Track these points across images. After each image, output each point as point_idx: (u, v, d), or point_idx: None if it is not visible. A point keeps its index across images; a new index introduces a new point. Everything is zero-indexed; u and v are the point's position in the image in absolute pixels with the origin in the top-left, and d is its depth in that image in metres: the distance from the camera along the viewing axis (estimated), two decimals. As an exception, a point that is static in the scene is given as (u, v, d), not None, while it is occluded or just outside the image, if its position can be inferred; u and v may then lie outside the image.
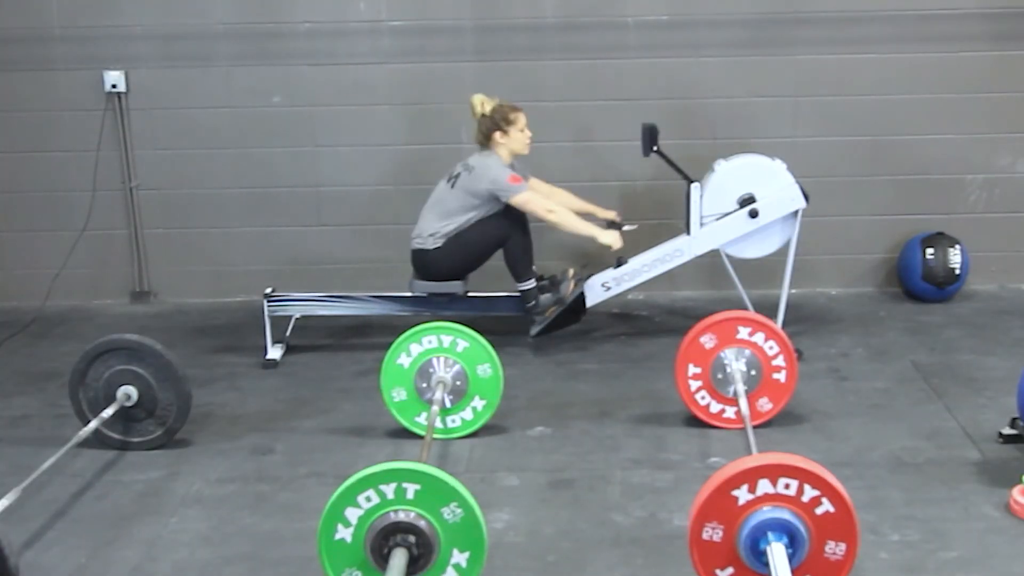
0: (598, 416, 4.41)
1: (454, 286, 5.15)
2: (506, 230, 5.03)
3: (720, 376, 4.14)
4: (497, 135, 5.04)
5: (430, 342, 4.13)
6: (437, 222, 5.06)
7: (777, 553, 2.61)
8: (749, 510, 2.66)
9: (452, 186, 5.06)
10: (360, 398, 4.68)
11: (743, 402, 3.95)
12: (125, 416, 4.12)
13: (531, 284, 5.10)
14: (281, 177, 6.09)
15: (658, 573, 3.20)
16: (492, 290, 5.29)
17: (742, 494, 2.66)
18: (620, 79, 5.91)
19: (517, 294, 5.15)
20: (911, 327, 5.45)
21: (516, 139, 5.06)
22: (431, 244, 5.06)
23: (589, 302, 5.20)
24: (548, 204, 5.07)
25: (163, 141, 6.08)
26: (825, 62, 5.88)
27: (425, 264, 5.11)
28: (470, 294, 5.24)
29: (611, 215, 5.32)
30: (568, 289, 5.12)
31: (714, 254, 5.19)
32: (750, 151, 5.19)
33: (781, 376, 4.13)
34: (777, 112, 5.93)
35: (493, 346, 4.15)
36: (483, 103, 5.05)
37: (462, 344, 4.13)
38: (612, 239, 5.10)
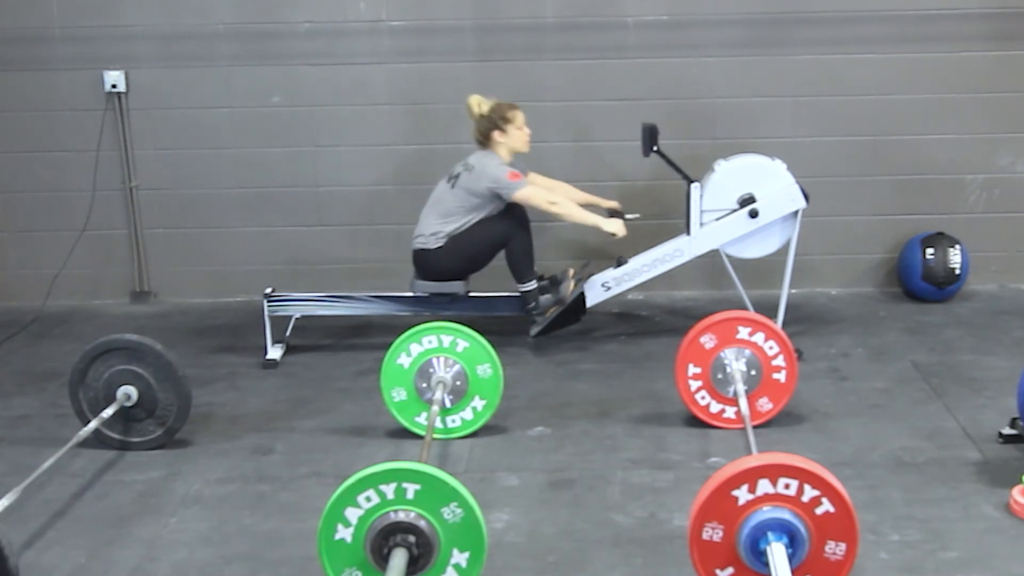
0: (598, 416, 4.41)
1: (455, 286, 5.15)
2: (508, 231, 5.03)
3: (720, 376, 4.14)
4: (496, 134, 5.04)
5: (430, 342, 4.13)
6: (438, 222, 5.06)
7: (777, 553, 2.61)
8: (749, 510, 2.66)
9: (452, 186, 5.06)
10: (360, 398, 4.68)
11: (743, 402, 3.95)
12: (125, 416, 4.12)
13: (532, 285, 5.10)
14: (281, 177, 6.09)
15: (658, 573, 3.20)
16: (492, 290, 5.29)
17: (742, 494, 2.66)
18: (620, 79, 5.91)
19: (517, 294, 5.15)
20: (911, 327, 5.45)
21: (515, 137, 5.06)
22: (433, 244, 5.06)
23: (589, 302, 5.20)
24: (551, 196, 5.07)
25: (163, 141, 6.08)
26: (825, 62, 5.88)
27: (427, 264, 5.11)
28: (471, 294, 5.24)
29: (614, 205, 5.34)
30: (568, 289, 5.12)
31: (714, 254, 5.19)
32: (750, 151, 5.19)
33: (781, 376, 4.13)
34: (777, 112, 5.93)
35: (493, 346, 4.15)
36: (480, 103, 5.05)
37: (462, 344, 4.13)
38: (616, 227, 5.10)
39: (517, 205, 5.07)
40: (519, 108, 5.09)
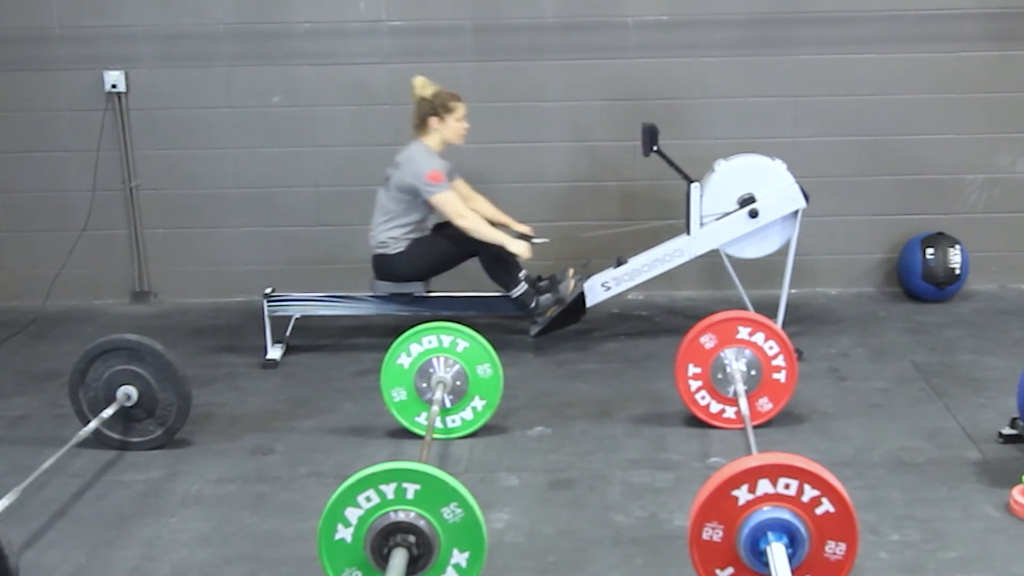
0: (598, 416, 4.41)
1: (414, 286, 5.14)
2: (473, 244, 5.00)
3: (720, 376, 4.14)
4: (433, 120, 4.98)
5: (430, 342, 4.13)
6: (387, 227, 5.03)
7: (777, 553, 2.61)
8: (749, 510, 2.67)
9: (387, 188, 5.04)
10: (360, 398, 4.68)
11: (743, 402, 3.95)
12: (125, 416, 4.12)
13: (522, 289, 5.07)
14: (281, 177, 6.09)
15: (658, 573, 3.20)
16: (492, 290, 5.29)
17: (742, 494, 2.66)
18: (620, 79, 5.91)
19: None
20: (911, 327, 5.45)
21: (452, 128, 5.00)
22: (393, 249, 5.03)
23: (589, 302, 5.20)
24: (461, 209, 4.97)
25: (163, 141, 6.08)
26: (825, 62, 5.88)
27: (387, 268, 5.09)
28: (470, 294, 5.23)
29: (524, 229, 5.23)
30: (568, 289, 5.11)
31: (714, 254, 5.18)
32: (750, 151, 5.19)
33: (781, 376, 4.13)
34: (777, 112, 5.93)
35: (493, 346, 4.15)
36: (424, 85, 5.01)
37: (462, 344, 4.13)
38: (521, 248, 5.02)
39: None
40: (463, 101, 5.03)
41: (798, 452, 2.84)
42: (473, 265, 5.13)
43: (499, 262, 5.04)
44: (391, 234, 5.03)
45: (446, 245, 5.05)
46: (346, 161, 6.07)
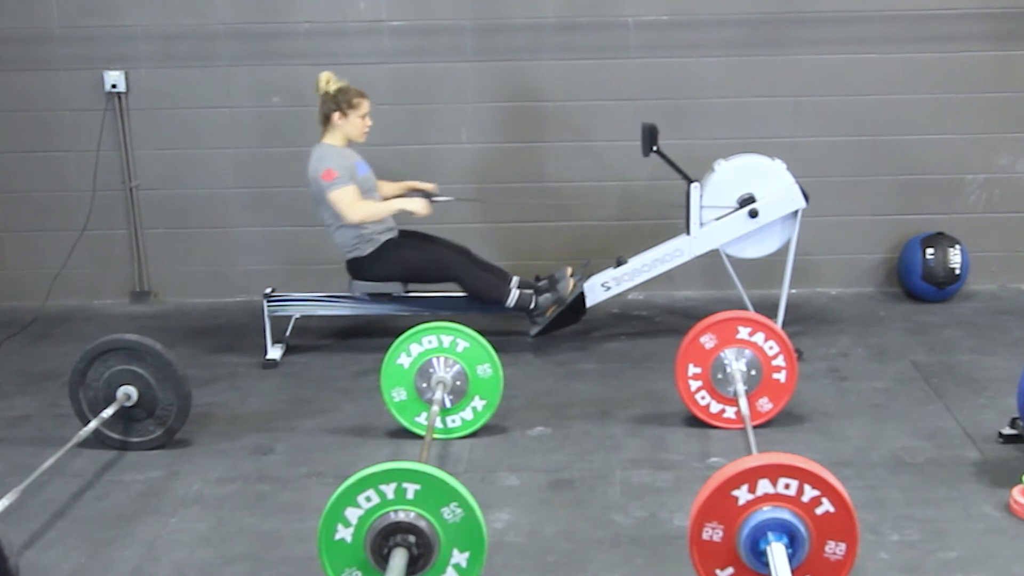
0: (598, 416, 4.41)
1: (393, 286, 5.14)
2: (451, 269, 5.01)
3: (720, 376, 4.14)
4: (336, 116, 4.96)
5: (430, 342, 4.13)
6: (338, 234, 5.02)
7: (777, 553, 2.61)
8: (749, 510, 2.67)
9: (314, 199, 5.02)
10: (360, 398, 4.68)
11: (743, 402, 3.95)
12: (125, 416, 4.13)
13: (515, 296, 5.06)
14: (281, 177, 6.09)
15: (658, 573, 3.20)
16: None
17: (742, 494, 2.66)
18: (620, 79, 5.91)
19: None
20: (911, 327, 5.45)
21: (354, 124, 4.98)
22: (363, 251, 5.02)
23: (589, 302, 5.20)
24: (353, 204, 4.89)
25: (163, 141, 6.08)
26: (825, 62, 5.88)
27: (360, 269, 5.09)
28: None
29: (428, 187, 5.23)
30: (567, 288, 5.11)
31: (714, 254, 5.18)
32: (750, 151, 5.19)
33: (781, 376, 4.13)
34: (777, 112, 5.93)
35: (493, 346, 4.15)
36: (329, 80, 4.97)
37: (462, 344, 4.13)
38: (417, 206, 4.99)
39: (440, 238, 5.06)
40: (368, 98, 5.01)
41: (798, 452, 2.84)
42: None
43: (480, 281, 5.04)
44: (347, 237, 5.00)
45: (419, 265, 5.05)
46: (346, 161, 6.06)
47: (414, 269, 5.07)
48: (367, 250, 5.02)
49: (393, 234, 5.09)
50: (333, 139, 4.99)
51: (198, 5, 5.91)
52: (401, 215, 5.01)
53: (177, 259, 6.24)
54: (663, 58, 5.89)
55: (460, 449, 4.12)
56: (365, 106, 4.99)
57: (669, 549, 3.30)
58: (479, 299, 5.07)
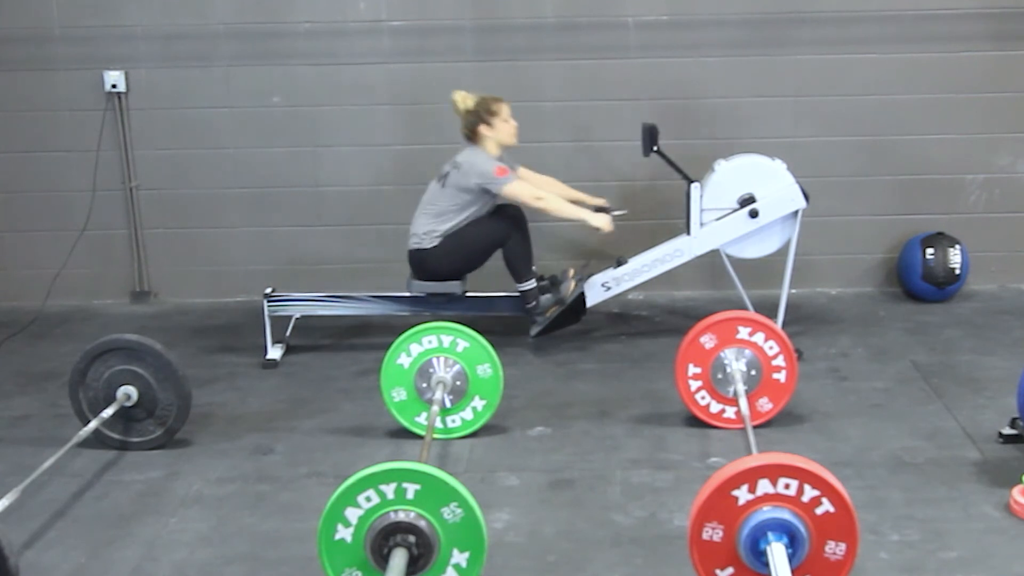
0: (598, 416, 4.41)
1: (453, 286, 5.14)
2: (505, 231, 5.03)
3: (720, 376, 4.14)
4: (482, 128, 5.03)
5: (430, 342, 4.13)
6: (431, 222, 5.06)
7: (777, 553, 2.61)
8: (749, 510, 2.67)
9: (443, 185, 5.06)
10: (360, 398, 4.68)
11: (743, 402, 3.95)
12: (125, 416, 4.12)
13: (531, 285, 5.10)
14: (281, 177, 6.09)
15: (658, 573, 3.20)
16: (492, 290, 5.29)
17: (742, 494, 2.66)
18: (620, 79, 5.91)
19: (517, 294, 5.15)
20: (911, 327, 5.45)
21: (502, 130, 5.05)
22: (428, 243, 5.06)
23: (589, 302, 5.20)
24: (537, 192, 5.07)
25: (163, 141, 6.08)
26: (825, 62, 5.88)
27: (423, 264, 5.11)
28: (469, 294, 5.24)
29: (600, 202, 5.30)
30: (568, 289, 5.11)
31: (714, 254, 5.19)
32: (750, 151, 5.19)
33: (781, 376, 4.13)
34: (777, 112, 5.93)
35: (493, 346, 4.15)
36: (465, 99, 5.04)
37: (462, 344, 4.13)
38: (602, 222, 5.07)
39: (511, 204, 5.08)
40: (504, 100, 5.07)
41: (798, 452, 2.84)
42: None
43: (523, 255, 5.08)
44: (431, 227, 5.04)
45: (476, 237, 5.05)
46: (346, 161, 6.07)
47: (472, 244, 5.05)
48: (432, 243, 5.05)
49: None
50: (486, 148, 5.06)
51: (198, 5, 5.91)
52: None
53: (177, 259, 6.24)
54: (663, 58, 5.89)
55: (460, 449, 4.12)
56: (505, 110, 5.05)
57: (669, 549, 3.30)
58: (511, 262, 5.08)
